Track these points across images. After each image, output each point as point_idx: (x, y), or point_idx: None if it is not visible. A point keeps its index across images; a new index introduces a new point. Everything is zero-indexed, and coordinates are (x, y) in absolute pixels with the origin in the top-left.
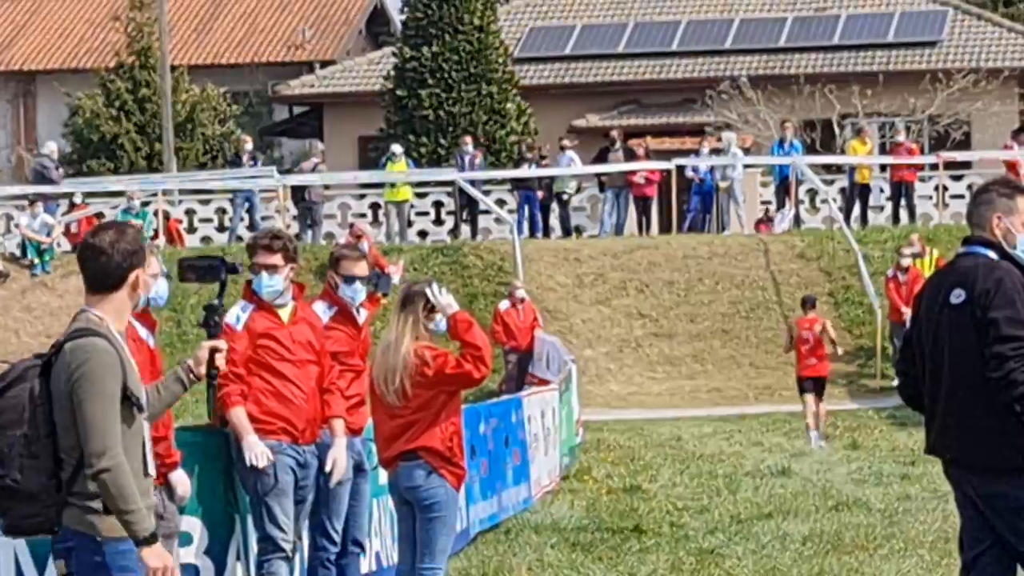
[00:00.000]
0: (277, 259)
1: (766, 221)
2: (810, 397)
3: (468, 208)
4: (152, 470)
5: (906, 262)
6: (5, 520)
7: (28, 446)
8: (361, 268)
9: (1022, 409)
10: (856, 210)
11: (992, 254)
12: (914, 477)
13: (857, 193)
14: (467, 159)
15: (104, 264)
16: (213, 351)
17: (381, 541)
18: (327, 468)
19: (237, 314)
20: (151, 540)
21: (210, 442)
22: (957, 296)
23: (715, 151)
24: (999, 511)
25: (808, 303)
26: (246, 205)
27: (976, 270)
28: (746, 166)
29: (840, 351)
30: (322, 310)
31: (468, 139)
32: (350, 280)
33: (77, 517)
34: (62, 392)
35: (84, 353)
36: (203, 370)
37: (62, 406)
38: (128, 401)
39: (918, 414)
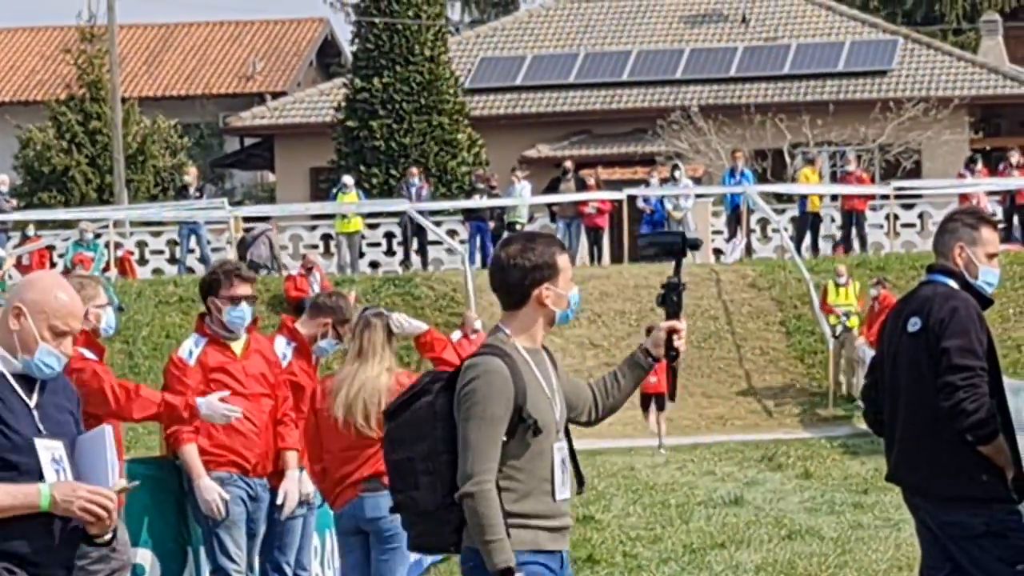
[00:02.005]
0: (250, 289)
1: (841, 243)
2: (653, 412)
3: (416, 238)
4: (562, 493)
5: (874, 291)
6: (410, 535)
7: (427, 461)
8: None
9: (974, 439)
10: (807, 239)
11: (952, 283)
12: (867, 506)
13: (808, 222)
14: (414, 191)
15: (503, 278)
16: (671, 332)
17: (334, 574)
18: (279, 500)
19: (190, 348)
20: (507, 574)
21: (162, 474)
22: (914, 324)
23: (665, 181)
24: (956, 539)
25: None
26: (192, 237)
27: (933, 299)
28: (697, 196)
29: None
30: (283, 345)
31: (415, 170)
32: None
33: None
34: (455, 409)
35: (474, 371)
36: (661, 351)
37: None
38: (524, 423)
39: (870, 443)
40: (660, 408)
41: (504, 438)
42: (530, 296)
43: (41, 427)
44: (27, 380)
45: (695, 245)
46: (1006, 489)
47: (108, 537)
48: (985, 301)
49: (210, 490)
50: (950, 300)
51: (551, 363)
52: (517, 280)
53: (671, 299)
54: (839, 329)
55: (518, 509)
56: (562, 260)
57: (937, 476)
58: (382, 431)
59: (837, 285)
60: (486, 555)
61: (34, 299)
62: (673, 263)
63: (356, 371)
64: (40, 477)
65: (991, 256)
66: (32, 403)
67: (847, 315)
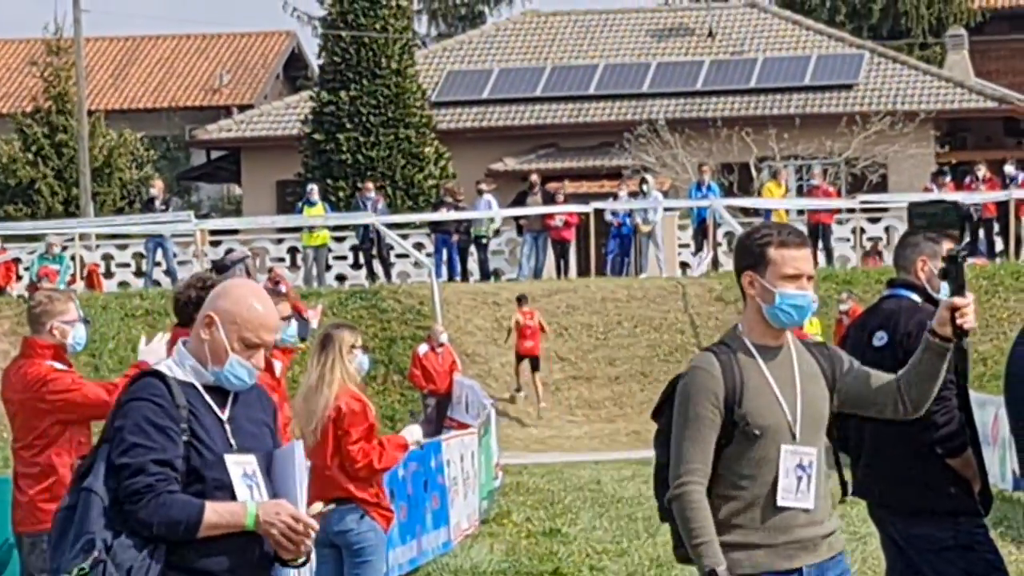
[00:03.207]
0: None
1: (874, 255)
2: (527, 370)
3: (377, 250)
4: (793, 502)
5: (844, 305)
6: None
7: None
8: (284, 308)
9: (944, 451)
10: None
11: (916, 297)
12: None
13: None
14: (369, 204)
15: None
16: (953, 309)
17: None
18: None
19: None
20: None
21: None
22: (879, 338)
23: (633, 194)
24: (922, 553)
25: (523, 300)
26: (158, 250)
27: (899, 313)
28: (664, 209)
29: (548, 334)
30: None
31: (369, 184)
32: (288, 320)
33: None
34: None
35: (687, 368)
36: (948, 330)
37: None
38: (736, 426)
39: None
40: (535, 369)
41: (723, 442)
42: (742, 284)
43: (233, 441)
44: (220, 392)
45: (968, 216)
46: (973, 502)
47: (302, 561)
48: None
49: None
50: (916, 314)
51: (813, 360)
52: (735, 266)
53: (952, 272)
54: None
55: (737, 521)
56: (776, 252)
57: (904, 489)
58: (327, 447)
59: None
60: (695, 558)
61: (226, 309)
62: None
63: (307, 381)
64: (231, 493)
65: None
66: (224, 416)
67: None
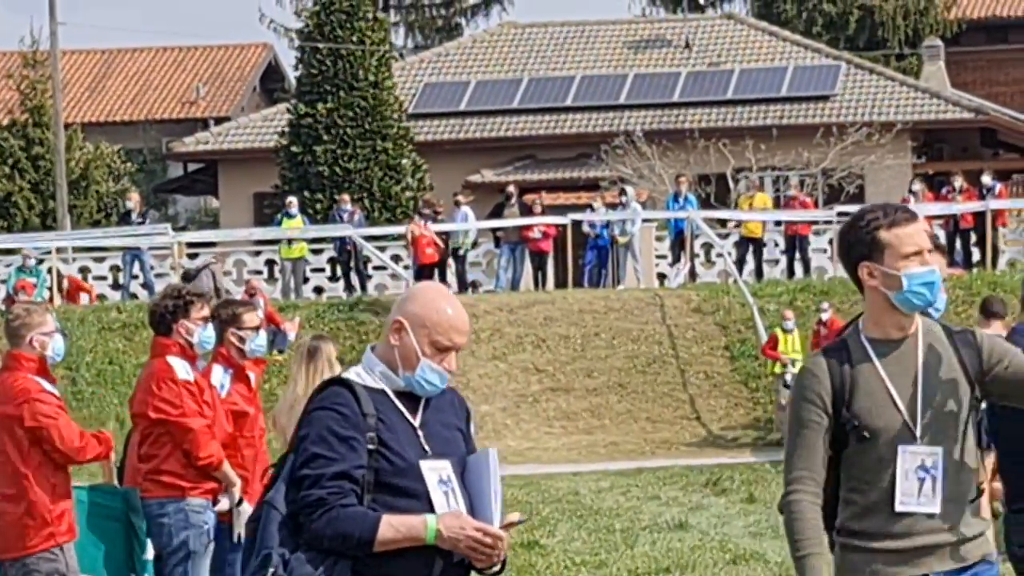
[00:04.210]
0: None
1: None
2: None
3: (355, 263)
4: (912, 506)
5: (825, 315)
6: None
7: None
8: (253, 319)
9: None
10: (751, 264)
11: None
12: None
13: (751, 247)
14: (346, 216)
15: (841, 259)
16: None
17: None
18: (241, 525)
19: (187, 369)
20: None
21: (108, 501)
22: None
23: (610, 206)
24: None
25: (423, 214)
26: (135, 263)
27: None
28: (642, 220)
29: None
30: (220, 373)
31: (346, 196)
32: (258, 330)
33: (838, 553)
34: None
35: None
36: None
37: None
38: (844, 426)
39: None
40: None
41: (838, 444)
42: (860, 277)
43: (427, 447)
44: (411, 398)
45: None
46: None
47: (497, 569)
48: None
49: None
50: None
51: (951, 352)
52: (845, 261)
53: None
54: (787, 378)
55: (857, 526)
56: (888, 234)
57: None
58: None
59: (785, 331)
60: (796, 570)
61: (416, 312)
62: None
63: (293, 392)
64: (427, 500)
65: None
66: (416, 422)
67: (793, 363)
